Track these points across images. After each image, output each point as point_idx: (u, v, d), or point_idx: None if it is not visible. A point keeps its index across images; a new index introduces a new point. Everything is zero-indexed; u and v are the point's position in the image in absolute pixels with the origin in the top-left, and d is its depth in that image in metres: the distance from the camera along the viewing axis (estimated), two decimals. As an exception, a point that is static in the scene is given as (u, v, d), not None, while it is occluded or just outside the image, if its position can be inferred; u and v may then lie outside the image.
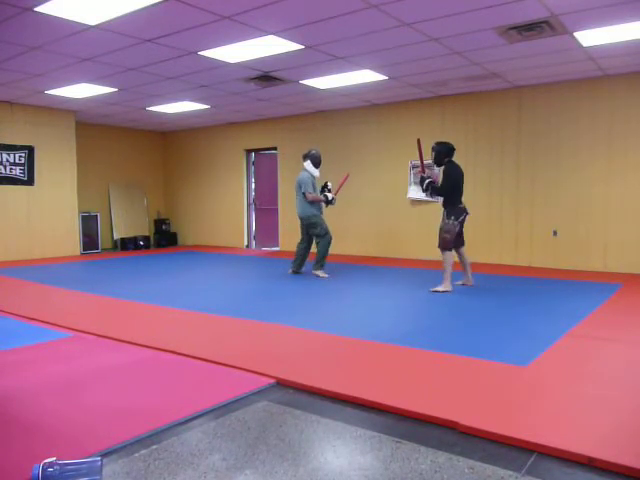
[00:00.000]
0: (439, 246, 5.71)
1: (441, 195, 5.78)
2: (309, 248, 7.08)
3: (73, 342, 3.83)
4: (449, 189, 5.63)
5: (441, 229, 5.70)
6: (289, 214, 10.42)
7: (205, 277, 7.19)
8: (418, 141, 5.87)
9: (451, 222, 5.61)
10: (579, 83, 7.23)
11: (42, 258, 9.15)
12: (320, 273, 6.75)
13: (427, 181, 5.75)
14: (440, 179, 5.86)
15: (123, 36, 5.36)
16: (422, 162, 5.91)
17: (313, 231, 6.84)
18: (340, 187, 7.08)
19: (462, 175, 5.75)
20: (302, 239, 7.08)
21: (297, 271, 7.09)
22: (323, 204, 6.96)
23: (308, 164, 6.89)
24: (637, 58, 6.17)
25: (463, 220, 5.72)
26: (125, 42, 5.56)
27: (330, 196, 6.86)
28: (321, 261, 6.80)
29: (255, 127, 10.79)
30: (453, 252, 5.71)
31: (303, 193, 6.75)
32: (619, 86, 6.96)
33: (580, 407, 2.53)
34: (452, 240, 5.60)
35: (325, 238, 6.79)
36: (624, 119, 6.94)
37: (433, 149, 5.76)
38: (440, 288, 5.56)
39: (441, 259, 5.71)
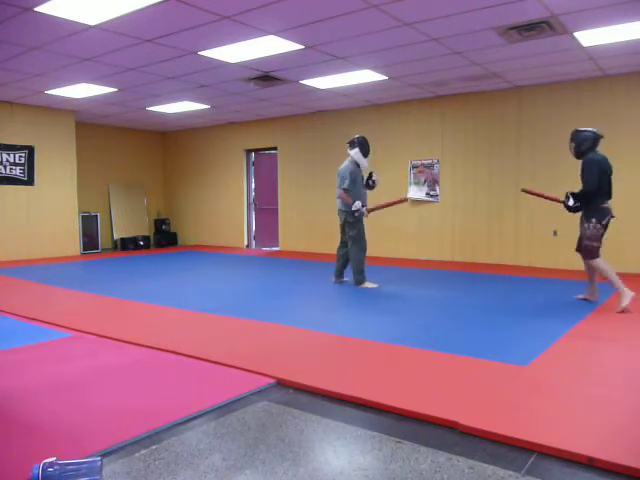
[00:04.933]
0: (585, 258, 4.88)
1: (588, 198, 4.75)
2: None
3: (73, 342, 3.82)
4: (595, 187, 4.65)
5: (581, 237, 4.85)
6: (289, 214, 10.44)
7: (205, 277, 7.19)
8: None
9: (592, 226, 4.72)
10: (579, 83, 7.23)
11: (42, 258, 9.14)
12: (368, 284, 5.91)
13: (571, 199, 4.81)
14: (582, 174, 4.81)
15: (123, 36, 5.36)
16: (548, 197, 5.32)
17: (349, 231, 5.92)
18: (384, 207, 6.18)
19: (609, 167, 4.74)
20: (342, 241, 6.18)
21: (341, 279, 6.26)
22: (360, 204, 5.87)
23: (356, 152, 5.85)
24: (637, 58, 6.18)
25: (607, 223, 4.75)
26: (125, 42, 5.56)
27: (358, 205, 5.75)
28: (361, 271, 5.93)
29: (255, 127, 10.79)
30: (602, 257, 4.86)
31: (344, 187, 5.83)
32: (619, 86, 6.96)
33: (580, 407, 2.53)
34: (599, 247, 4.75)
35: (360, 243, 5.92)
36: (624, 119, 6.93)
37: (572, 139, 4.85)
38: (625, 302, 4.62)
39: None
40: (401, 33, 5.31)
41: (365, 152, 5.92)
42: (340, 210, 6.01)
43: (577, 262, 7.36)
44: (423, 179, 8.70)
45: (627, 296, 4.65)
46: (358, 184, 5.91)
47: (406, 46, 5.77)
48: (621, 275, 6.78)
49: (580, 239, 4.91)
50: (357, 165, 5.93)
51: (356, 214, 5.82)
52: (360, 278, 5.95)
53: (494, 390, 2.75)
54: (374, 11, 4.72)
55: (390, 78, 7.22)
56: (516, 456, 2.07)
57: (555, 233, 7.55)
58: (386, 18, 4.89)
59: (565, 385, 2.82)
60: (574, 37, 5.38)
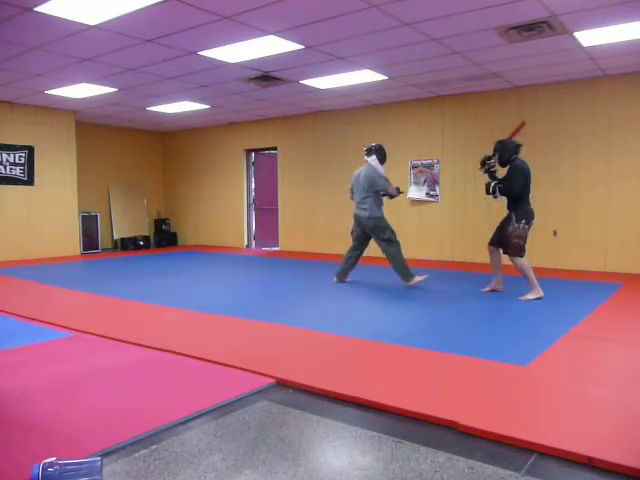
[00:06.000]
0: (510, 254, 5.23)
1: (509, 196, 5.22)
2: (362, 255, 6.30)
3: (73, 342, 3.82)
4: (519, 190, 5.11)
5: (510, 234, 5.18)
6: (289, 214, 10.44)
7: (205, 277, 7.19)
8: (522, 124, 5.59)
9: (521, 226, 5.12)
10: (579, 83, 7.23)
11: (42, 258, 9.14)
12: (416, 278, 5.93)
13: (493, 184, 5.26)
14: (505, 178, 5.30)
15: (123, 36, 5.36)
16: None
17: (382, 235, 5.96)
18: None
19: (530, 172, 5.21)
20: (355, 245, 6.23)
21: (342, 279, 6.34)
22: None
23: (373, 159, 6.04)
24: (637, 58, 6.17)
25: (531, 225, 5.22)
26: (125, 42, 5.56)
27: (394, 191, 5.99)
28: (406, 269, 5.97)
29: (255, 127, 10.79)
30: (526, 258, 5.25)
31: (376, 191, 5.95)
32: (619, 86, 6.96)
33: (580, 407, 2.53)
34: (524, 245, 5.14)
35: (397, 243, 5.98)
36: (624, 119, 6.94)
37: (497, 149, 5.31)
38: (531, 296, 5.17)
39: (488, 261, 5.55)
40: (401, 33, 5.31)
41: (382, 159, 6.10)
42: (368, 217, 5.98)
43: (577, 262, 7.41)
44: (423, 179, 8.71)
45: (536, 294, 5.18)
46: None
47: (406, 46, 5.77)
48: (622, 275, 6.82)
49: (497, 233, 5.40)
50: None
51: (401, 189, 6.08)
52: (408, 276, 5.97)
53: (494, 390, 2.75)
54: (374, 11, 4.72)
55: (390, 78, 7.22)
56: (516, 456, 2.07)
57: (555, 233, 7.56)
58: (386, 18, 4.89)
59: (565, 385, 2.82)
60: (574, 37, 5.38)
